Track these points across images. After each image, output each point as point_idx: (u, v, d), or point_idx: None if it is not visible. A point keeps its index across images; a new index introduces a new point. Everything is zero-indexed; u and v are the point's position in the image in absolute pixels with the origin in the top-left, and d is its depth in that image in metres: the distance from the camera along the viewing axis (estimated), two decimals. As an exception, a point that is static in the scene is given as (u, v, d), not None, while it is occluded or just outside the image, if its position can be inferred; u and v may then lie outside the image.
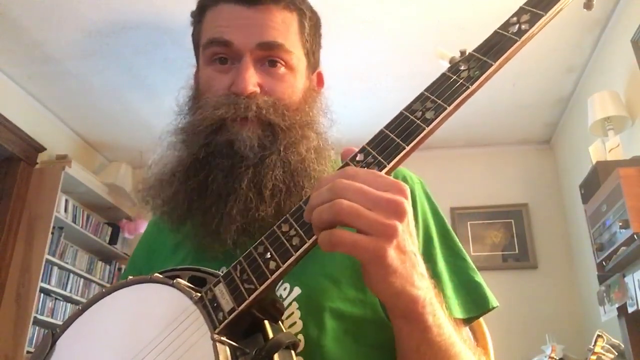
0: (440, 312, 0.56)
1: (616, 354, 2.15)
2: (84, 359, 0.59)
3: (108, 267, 4.10)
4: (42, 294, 3.37)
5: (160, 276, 0.59)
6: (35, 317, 3.23)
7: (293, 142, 0.72)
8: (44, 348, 0.61)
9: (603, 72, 3.01)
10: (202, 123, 0.71)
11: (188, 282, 0.58)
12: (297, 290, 0.67)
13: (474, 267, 0.75)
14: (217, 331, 0.51)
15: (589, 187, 2.66)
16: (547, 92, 3.47)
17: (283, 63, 0.75)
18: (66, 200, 3.64)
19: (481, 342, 0.84)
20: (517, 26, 0.59)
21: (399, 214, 0.49)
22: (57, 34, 2.96)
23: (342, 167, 0.55)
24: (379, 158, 0.54)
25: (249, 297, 0.51)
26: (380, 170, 0.53)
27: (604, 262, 2.53)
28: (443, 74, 0.59)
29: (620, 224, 2.20)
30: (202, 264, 0.62)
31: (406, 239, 0.50)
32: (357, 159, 0.55)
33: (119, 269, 4.16)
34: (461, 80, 0.57)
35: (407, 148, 0.54)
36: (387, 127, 0.56)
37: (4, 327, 3.13)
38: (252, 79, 0.72)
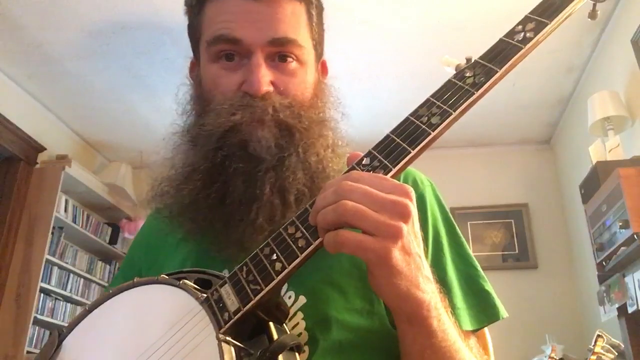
0: (446, 317, 0.56)
1: (616, 354, 2.16)
2: (91, 358, 0.59)
3: (108, 267, 4.11)
4: (42, 294, 3.37)
5: (167, 277, 0.59)
6: (35, 317, 3.23)
7: (312, 143, 0.69)
8: (51, 348, 0.61)
9: (603, 72, 3.02)
10: (217, 128, 0.68)
11: (194, 284, 0.58)
12: (302, 299, 0.64)
13: (484, 275, 0.73)
14: (222, 331, 0.51)
15: (589, 187, 2.66)
16: (547, 92, 3.48)
17: (294, 58, 0.71)
18: (66, 200, 3.64)
19: (481, 340, 0.84)
20: (522, 34, 0.59)
21: (404, 215, 0.49)
22: (57, 34, 2.96)
23: (348, 170, 0.55)
24: (385, 162, 0.54)
25: (255, 297, 0.51)
26: (386, 174, 0.53)
27: (604, 262, 2.53)
28: (449, 80, 0.59)
29: (620, 224, 2.20)
30: (205, 265, 0.62)
31: (411, 241, 0.50)
32: (363, 162, 0.55)
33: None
34: (466, 87, 0.57)
35: (413, 152, 0.54)
36: (393, 131, 0.57)
37: (4, 327, 3.14)
38: (265, 79, 0.68)
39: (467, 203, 3.88)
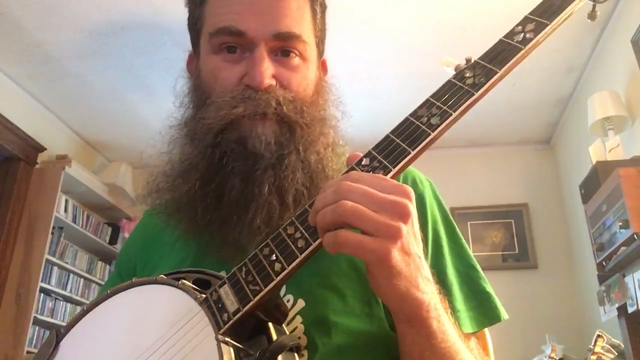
0: (446, 318, 0.55)
1: (616, 354, 2.16)
2: (89, 359, 0.59)
3: (108, 267, 4.10)
4: (42, 294, 3.37)
5: (166, 277, 0.59)
6: (35, 317, 3.23)
7: (312, 141, 0.68)
8: (48, 348, 0.61)
9: (603, 72, 3.02)
10: (217, 121, 0.66)
11: (193, 284, 0.58)
12: (300, 303, 0.64)
13: (484, 276, 0.72)
14: (221, 332, 0.51)
15: (589, 187, 2.66)
16: (547, 92, 3.48)
17: (297, 53, 0.70)
18: (66, 200, 3.63)
19: (481, 341, 0.84)
20: (522, 35, 0.59)
21: (404, 216, 0.49)
22: (57, 34, 2.95)
23: (348, 171, 0.55)
24: (385, 162, 0.54)
25: (254, 298, 0.51)
26: (386, 175, 0.53)
27: (604, 262, 2.53)
28: (449, 81, 0.59)
29: (620, 224, 2.20)
30: (203, 265, 0.62)
31: (411, 242, 0.50)
32: (363, 163, 0.55)
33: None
34: (466, 87, 0.57)
35: (413, 153, 0.54)
36: (392, 132, 0.57)
37: (4, 327, 3.13)
38: (268, 72, 0.66)
39: (467, 203, 3.88)
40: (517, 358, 3.28)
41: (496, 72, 0.57)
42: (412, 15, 2.81)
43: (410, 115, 0.57)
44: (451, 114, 0.55)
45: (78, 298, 3.69)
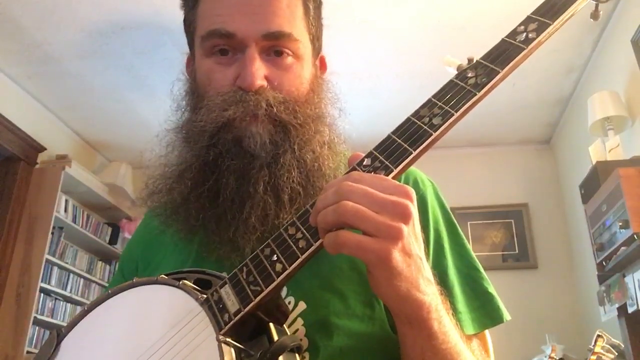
0: (447, 319, 0.55)
1: (616, 354, 2.16)
2: (89, 359, 0.59)
3: (108, 267, 4.11)
4: (42, 294, 3.37)
5: (167, 278, 0.59)
6: (35, 317, 3.23)
7: (307, 140, 0.68)
8: (49, 348, 0.61)
9: (603, 72, 3.02)
10: (209, 124, 0.66)
11: (194, 284, 0.58)
12: (302, 305, 0.63)
13: (486, 277, 0.71)
14: (222, 332, 0.51)
15: (589, 187, 2.66)
16: (547, 92, 3.48)
17: (290, 52, 0.70)
18: (66, 200, 3.63)
19: (481, 341, 0.84)
20: (524, 35, 0.59)
21: (405, 216, 0.49)
22: (57, 34, 2.95)
23: (349, 171, 0.55)
24: (386, 162, 0.54)
25: (255, 298, 0.51)
26: (387, 175, 0.53)
27: (604, 262, 2.53)
28: (451, 81, 0.59)
29: (620, 224, 2.20)
30: (204, 266, 0.62)
31: (412, 242, 0.50)
32: (364, 163, 0.55)
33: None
34: (468, 87, 0.57)
35: (415, 153, 0.54)
36: (394, 132, 0.56)
37: (4, 327, 3.13)
38: (259, 73, 0.66)
39: (467, 203, 3.88)
40: (517, 358, 3.28)
41: (498, 72, 0.57)
42: (412, 15, 2.81)
43: (412, 115, 0.57)
44: (453, 114, 0.55)
45: (78, 298, 3.69)
